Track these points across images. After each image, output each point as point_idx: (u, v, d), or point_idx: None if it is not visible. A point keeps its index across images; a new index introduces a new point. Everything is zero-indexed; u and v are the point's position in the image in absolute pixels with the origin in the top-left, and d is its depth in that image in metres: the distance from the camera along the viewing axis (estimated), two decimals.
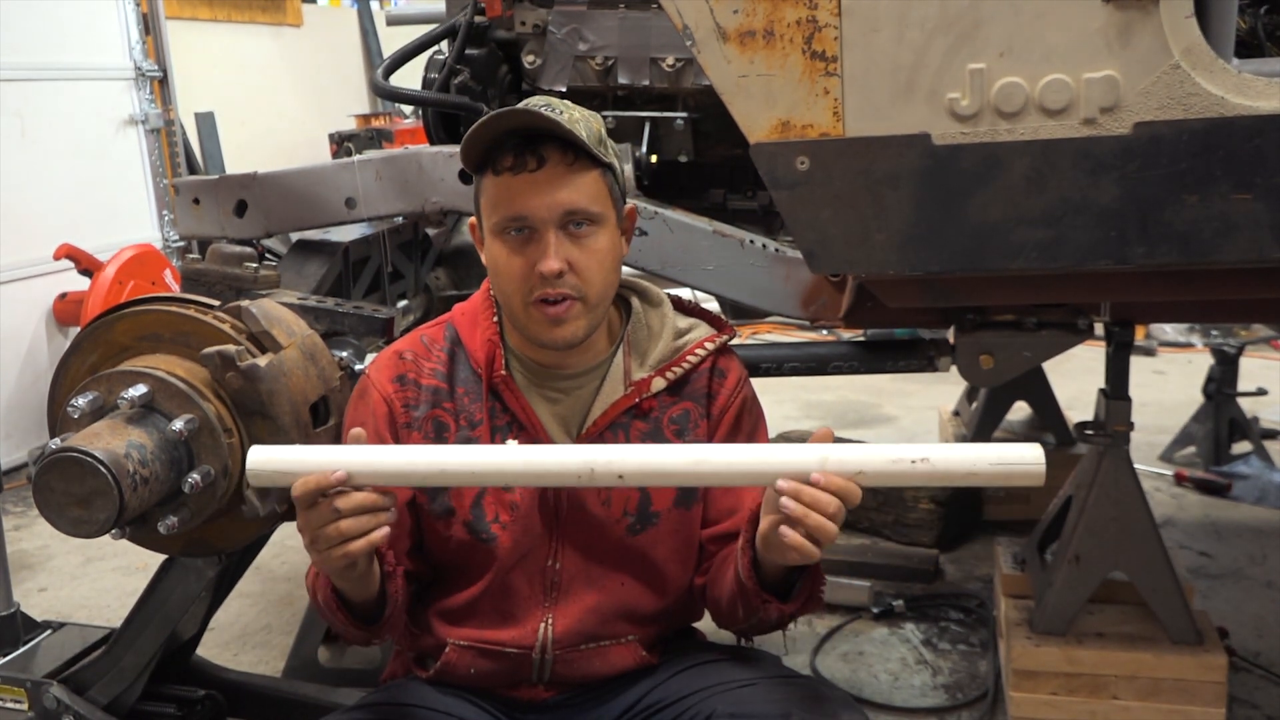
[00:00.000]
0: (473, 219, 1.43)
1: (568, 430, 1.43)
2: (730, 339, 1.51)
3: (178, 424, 1.53)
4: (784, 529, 1.17)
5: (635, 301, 1.49)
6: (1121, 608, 2.22)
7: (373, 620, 1.35)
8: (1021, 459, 1.12)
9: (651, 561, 1.45)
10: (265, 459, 1.22)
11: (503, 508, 1.40)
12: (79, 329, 1.75)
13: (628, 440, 1.42)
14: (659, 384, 1.44)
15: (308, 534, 1.21)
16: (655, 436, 1.43)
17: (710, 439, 1.46)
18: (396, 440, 1.43)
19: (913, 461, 1.12)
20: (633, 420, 1.43)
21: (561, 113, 1.32)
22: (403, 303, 2.62)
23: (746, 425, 1.49)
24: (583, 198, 1.33)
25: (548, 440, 1.41)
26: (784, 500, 1.16)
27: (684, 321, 1.49)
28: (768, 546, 1.24)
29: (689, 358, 1.45)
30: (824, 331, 5.02)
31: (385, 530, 1.21)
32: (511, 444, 1.22)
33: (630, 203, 1.44)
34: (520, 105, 1.35)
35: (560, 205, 1.32)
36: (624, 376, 1.44)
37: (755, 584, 1.32)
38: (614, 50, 2.34)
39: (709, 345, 1.47)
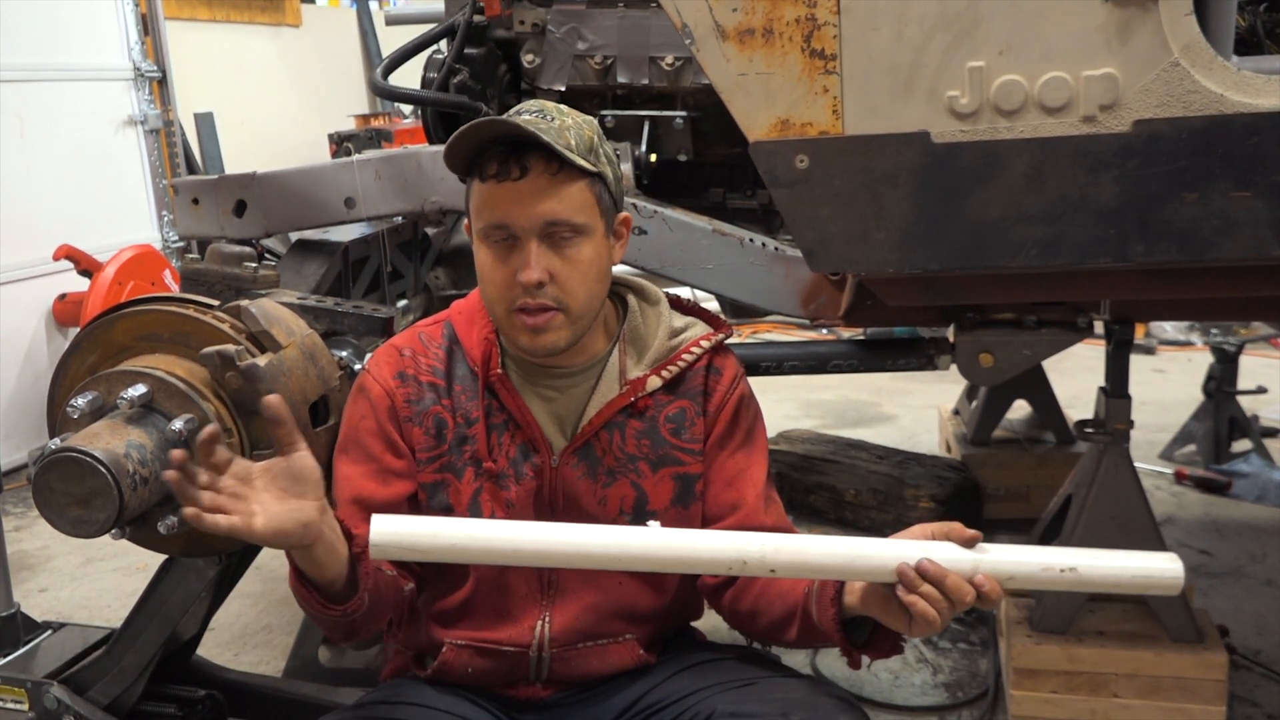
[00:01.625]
0: (466, 220, 1.43)
1: (562, 429, 1.43)
2: (727, 337, 1.50)
3: (177, 424, 1.53)
4: (911, 602, 1.16)
5: (632, 299, 1.49)
6: (1121, 606, 2.22)
7: (344, 600, 1.28)
8: (1163, 569, 1.16)
9: None
10: (390, 530, 1.16)
11: (499, 506, 1.40)
12: (78, 329, 1.74)
13: (623, 439, 1.42)
14: (654, 382, 1.43)
15: None
16: (651, 435, 1.43)
17: (707, 437, 1.46)
18: (400, 431, 1.42)
19: (1062, 570, 1.16)
20: (628, 419, 1.43)
21: (553, 119, 1.32)
22: (402, 302, 2.62)
23: (744, 422, 1.49)
24: (566, 208, 1.32)
25: (542, 439, 1.41)
26: (899, 590, 1.16)
27: (680, 320, 1.49)
28: (867, 604, 1.24)
29: (684, 356, 1.45)
30: (824, 330, 5.02)
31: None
32: (654, 525, 1.20)
33: (624, 212, 1.43)
34: (514, 110, 1.35)
35: (542, 216, 1.31)
36: (620, 375, 1.44)
37: (844, 640, 1.30)
38: (613, 49, 2.34)
39: (705, 343, 1.46)
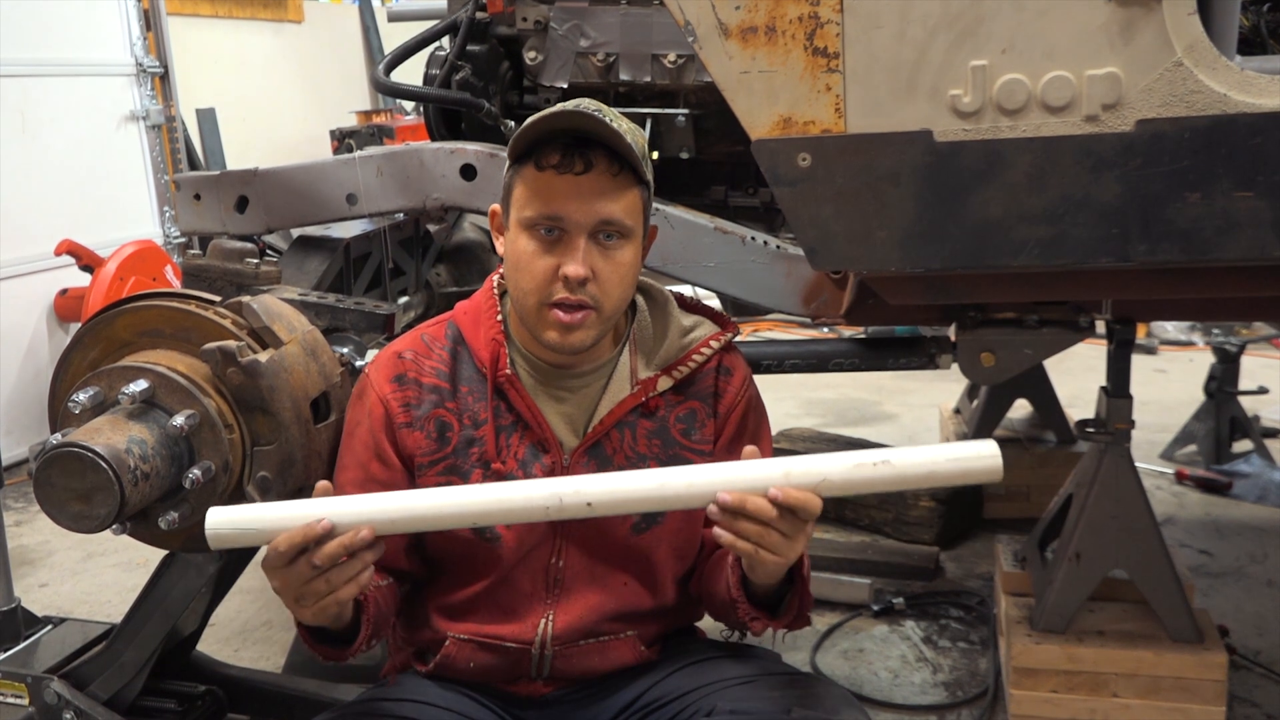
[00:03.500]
0: (495, 206, 1.43)
1: (574, 429, 1.43)
2: (734, 336, 1.50)
3: (178, 419, 1.53)
4: (730, 541, 1.19)
5: (640, 300, 1.49)
6: (1122, 605, 2.22)
7: (347, 643, 1.33)
8: (978, 454, 1.14)
9: (654, 560, 1.45)
10: (226, 519, 1.18)
11: None
12: (80, 324, 1.74)
13: (634, 439, 1.42)
14: (665, 383, 1.44)
15: (290, 593, 1.19)
16: (662, 435, 1.43)
17: (717, 438, 1.46)
18: (394, 442, 1.42)
19: (874, 464, 1.14)
20: (639, 419, 1.43)
21: (613, 121, 1.32)
22: (403, 299, 2.62)
23: (752, 423, 1.49)
24: (620, 210, 1.33)
25: (553, 439, 1.41)
26: (716, 530, 1.19)
27: (688, 319, 1.49)
28: (749, 566, 1.26)
29: (695, 356, 1.45)
30: (825, 329, 5.02)
31: (371, 571, 1.20)
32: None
33: (653, 222, 1.44)
34: (574, 103, 1.33)
35: (598, 214, 1.31)
36: (630, 375, 1.44)
37: (745, 599, 1.34)
38: (615, 47, 2.34)
39: (714, 344, 1.47)
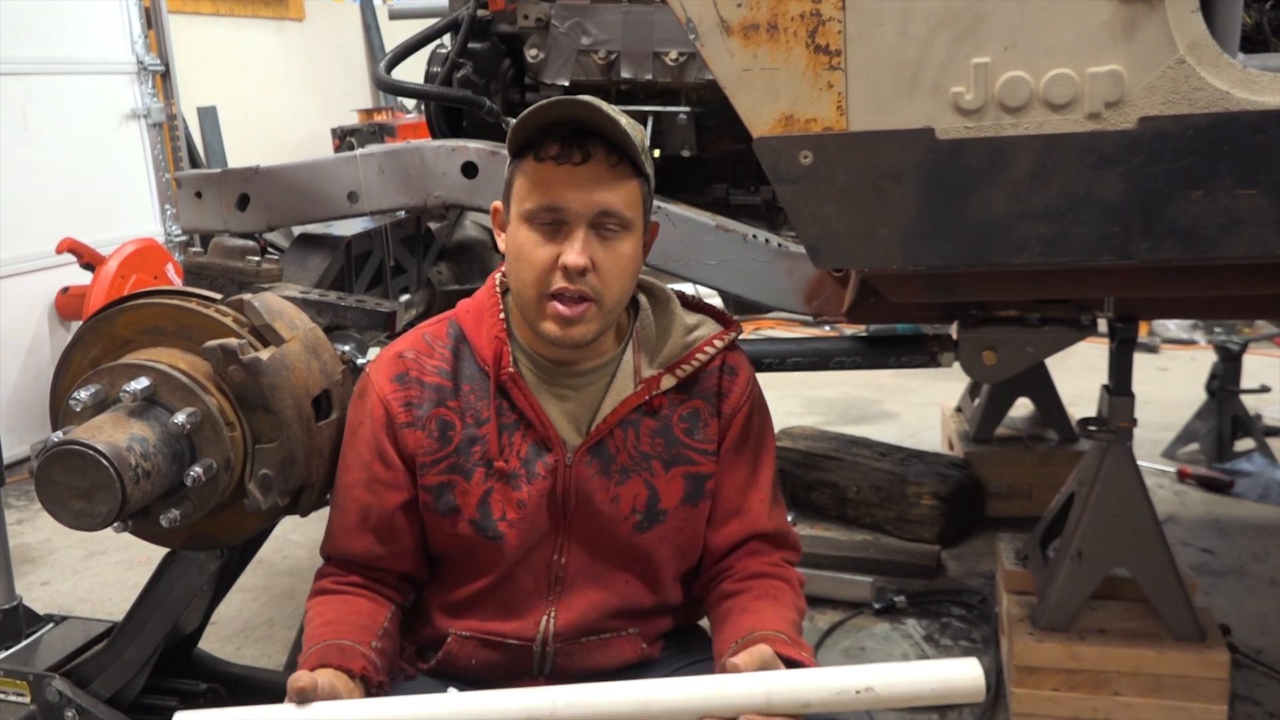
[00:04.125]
0: (496, 203, 1.43)
1: (577, 428, 1.43)
2: (738, 335, 1.50)
3: (180, 417, 1.53)
4: None
5: (642, 299, 1.48)
6: (1124, 604, 2.22)
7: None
8: (961, 676, 1.13)
9: (656, 559, 1.45)
10: None
11: (510, 505, 1.40)
12: (81, 322, 1.74)
13: (637, 437, 1.42)
14: (669, 381, 1.43)
15: None
16: (665, 434, 1.43)
17: (721, 439, 1.46)
18: (395, 442, 1.42)
19: (857, 692, 1.13)
20: (642, 418, 1.42)
21: (610, 114, 1.31)
22: (405, 297, 2.62)
23: (756, 424, 1.49)
24: (619, 200, 1.33)
25: (556, 438, 1.41)
26: None
27: (691, 318, 1.49)
28: None
29: (698, 355, 1.45)
30: (826, 327, 5.02)
31: None
32: (452, 691, 1.16)
33: (654, 219, 1.44)
34: (571, 100, 1.33)
35: (597, 204, 1.31)
36: (634, 374, 1.43)
37: None
38: (617, 44, 2.34)
39: (718, 343, 1.46)
